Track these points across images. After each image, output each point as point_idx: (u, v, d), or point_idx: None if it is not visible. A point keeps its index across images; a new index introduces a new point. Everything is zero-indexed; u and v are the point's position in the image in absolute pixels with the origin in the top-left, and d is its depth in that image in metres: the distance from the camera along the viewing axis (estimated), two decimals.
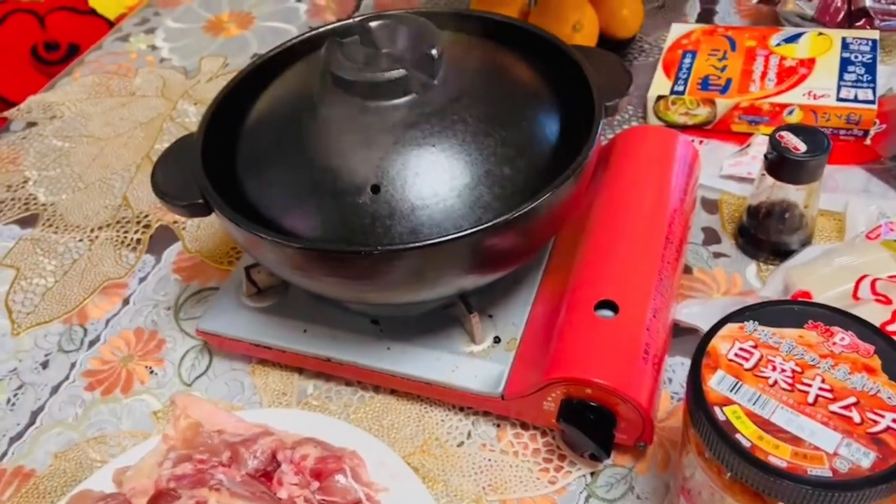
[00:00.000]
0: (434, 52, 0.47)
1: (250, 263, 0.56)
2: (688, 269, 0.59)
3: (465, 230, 0.42)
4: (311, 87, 0.50)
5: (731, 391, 0.37)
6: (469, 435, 0.51)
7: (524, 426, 0.51)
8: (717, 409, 0.36)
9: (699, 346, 0.39)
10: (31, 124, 0.82)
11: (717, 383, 0.37)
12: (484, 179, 0.45)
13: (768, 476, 0.34)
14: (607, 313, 0.48)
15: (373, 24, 0.49)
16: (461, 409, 0.53)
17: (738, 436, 0.35)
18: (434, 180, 0.45)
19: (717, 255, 0.60)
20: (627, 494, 0.47)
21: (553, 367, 0.46)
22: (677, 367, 0.53)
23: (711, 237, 0.61)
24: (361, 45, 0.50)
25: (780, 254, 0.58)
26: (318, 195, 0.46)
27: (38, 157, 0.78)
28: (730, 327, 0.39)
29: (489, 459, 0.50)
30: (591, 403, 0.46)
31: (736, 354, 0.38)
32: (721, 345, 0.39)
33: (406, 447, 0.51)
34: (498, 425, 0.51)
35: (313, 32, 0.57)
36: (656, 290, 0.49)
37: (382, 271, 0.44)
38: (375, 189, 0.45)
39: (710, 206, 0.64)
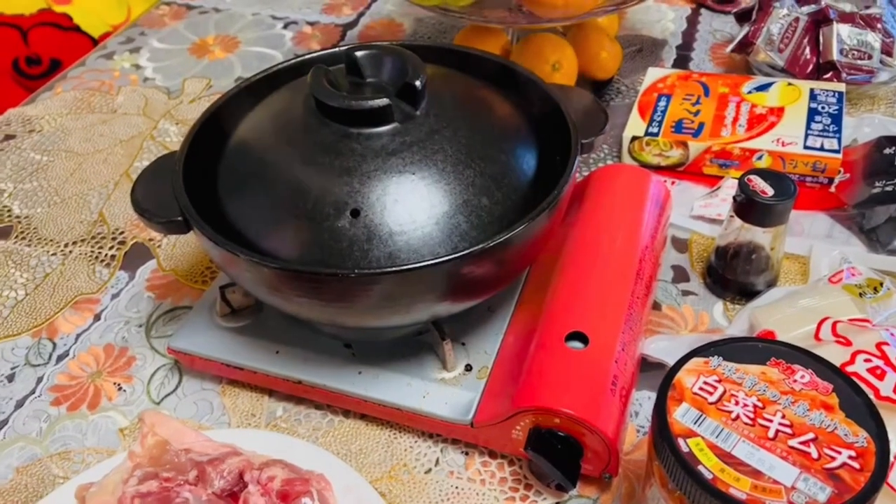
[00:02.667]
0: (418, 83, 0.48)
1: (225, 283, 0.56)
2: (657, 306, 0.60)
3: (442, 257, 0.43)
4: (296, 111, 0.50)
5: (694, 423, 0.38)
6: (437, 462, 0.52)
7: (492, 454, 0.52)
8: (680, 441, 0.37)
9: (665, 378, 0.40)
10: (10, 137, 0.82)
11: (681, 415, 0.38)
12: (462, 209, 0.47)
13: None
14: (577, 345, 0.49)
15: (359, 53, 0.51)
16: (430, 436, 0.53)
17: (700, 467, 0.36)
18: (413, 207, 0.46)
19: (686, 292, 0.61)
20: None
21: (522, 395, 0.47)
22: (644, 401, 0.54)
23: (680, 275, 0.63)
24: (347, 73, 0.51)
25: (747, 294, 0.59)
26: (298, 217, 0.47)
27: (15, 170, 0.78)
28: (695, 361, 0.40)
29: (456, 487, 0.50)
30: (559, 433, 0.46)
31: (700, 388, 0.39)
32: (686, 378, 0.40)
33: (374, 472, 0.51)
34: (466, 453, 0.52)
35: (300, 58, 0.58)
36: (626, 324, 0.50)
37: (358, 295, 0.45)
38: (355, 213, 0.46)
39: (681, 244, 0.65)
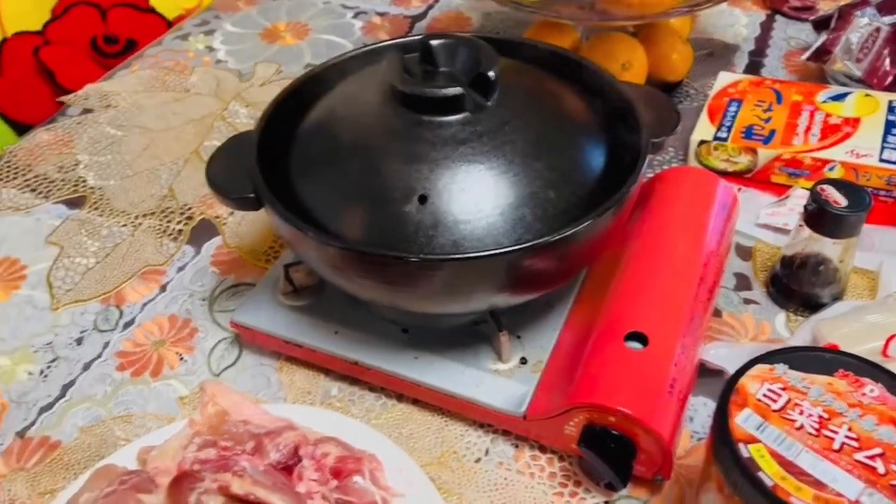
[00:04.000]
0: (491, 73, 0.49)
1: (290, 262, 0.57)
2: (717, 312, 0.59)
3: (506, 247, 0.44)
4: (370, 97, 0.51)
5: (757, 430, 0.37)
6: (487, 452, 0.52)
7: (542, 449, 0.52)
8: (741, 446, 0.37)
9: (728, 382, 0.39)
10: (87, 111, 0.85)
11: (743, 420, 0.38)
12: (528, 200, 0.47)
13: None
14: (637, 345, 0.48)
15: (434, 42, 0.51)
16: (481, 426, 0.53)
17: (760, 474, 0.36)
18: (479, 196, 0.46)
19: (748, 301, 0.60)
20: None
21: (578, 392, 0.47)
22: (699, 407, 0.53)
23: (743, 283, 0.62)
24: (421, 61, 0.51)
25: (811, 306, 0.58)
26: (367, 200, 0.47)
27: (91, 143, 0.80)
28: (760, 368, 0.40)
29: (505, 478, 0.50)
30: (613, 432, 0.46)
31: (764, 395, 0.39)
32: (750, 384, 0.39)
33: (423, 457, 0.52)
34: (516, 445, 0.52)
35: (375, 45, 0.59)
36: (687, 328, 0.50)
37: (421, 280, 0.45)
38: (422, 199, 0.46)
39: (744, 252, 0.64)
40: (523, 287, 0.49)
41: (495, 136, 0.48)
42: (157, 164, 0.77)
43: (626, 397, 0.45)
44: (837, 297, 0.58)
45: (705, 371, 0.54)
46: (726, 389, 0.39)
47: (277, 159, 0.53)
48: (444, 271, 0.44)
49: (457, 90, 0.48)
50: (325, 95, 0.55)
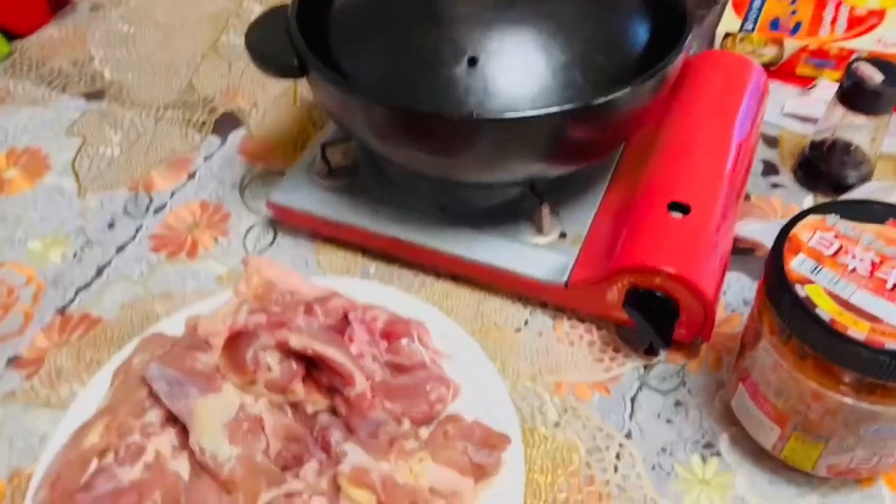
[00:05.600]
0: None
1: (326, 140, 0.57)
2: (746, 196, 0.60)
3: (557, 107, 0.44)
4: None
5: (811, 273, 0.38)
6: (526, 322, 0.53)
7: (580, 319, 0.53)
8: (798, 287, 0.38)
9: (781, 232, 0.40)
10: (96, 7, 0.83)
11: (798, 265, 0.39)
12: (578, 63, 0.47)
13: (847, 346, 0.35)
14: (679, 214, 0.49)
15: None
16: (519, 299, 0.54)
17: (818, 311, 0.37)
18: (530, 58, 0.46)
19: (775, 185, 0.61)
20: (679, 388, 0.49)
21: (624, 255, 0.48)
22: (732, 282, 0.54)
23: (770, 169, 0.63)
24: None
25: (838, 187, 0.59)
26: (415, 63, 0.47)
27: (104, 38, 0.79)
28: (811, 218, 0.41)
29: (545, 346, 0.51)
30: (657, 294, 0.47)
31: (817, 242, 0.40)
32: (803, 232, 0.40)
33: (466, 328, 0.52)
34: (554, 316, 0.53)
35: None
36: (726, 198, 0.51)
37: (471, 141, 0.45)
38: (472, 61, 0.46)
39: (771, 140, 0.65)
40: (567, 154, 0.49)
41: None
42: (175, 58, 0.76)
43: (671, 258, 0.46)
44: (865, 179, 0.59)
45: (736, 249, 0.55)
46: (779, 238, 0.40)
47: (315, 32, 0.52)
48: (494, 132, 0.44)
49: None
50: None
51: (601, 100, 0.44)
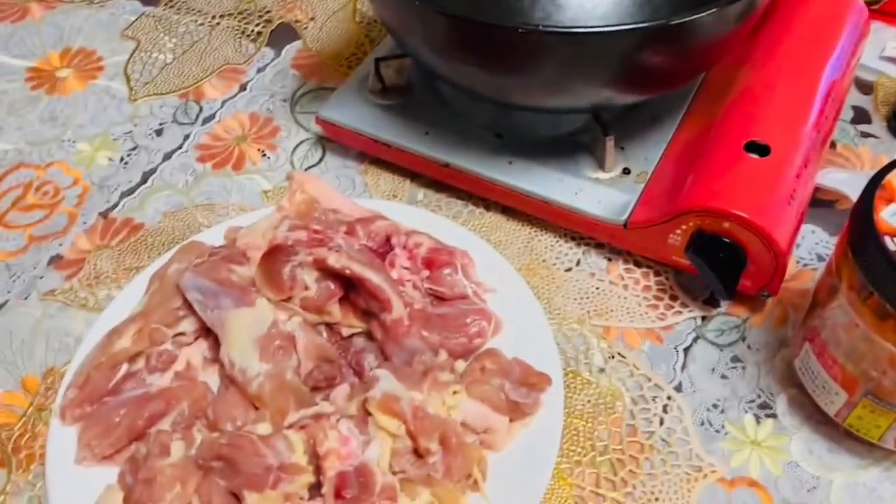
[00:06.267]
0: None
1: (382, 56, 0.54)
2: (832, 144, 0.55)
3: (632, 24, 0.40)
4: None
5: None
6: (578, 263, 0.50)
7: (637, 263, 0.49)
8: (887, 239, 0.34)
9: (874, 177, 0.36)
10: None
11: (890, 215, 0.35)
12: None
13: None
14: (757, 155, 0.45)
15: None
16: (572, 237, 0.51)
17: None
18: None
19: (865, 134, 0.56)
20: (738, 342, 0.46)
21: (691, 195, 0.44)
22: (807, 234, 0.50)
23: (861, 116, 0.57)
24: None
25: None
26: None
27: None
28: None
29: (597, 288, 0.49)
30: (725, 239, 0.43)
31: None
32: None
33: (512, 264, 0.50)
34: (609, 258, 0.50)
35: None
36: (810, 142, 0.46)
37: (535, 58, 0.42)
38: None
39: (865, 87, 0.59)
40: (639, 80, 0.45)
41: None
42: None
43: (744, 202, 0.42)
44: None
45: (815, 200, 0.51)
46: (871, 184, 0.36)
47: None
48: (561, 49, 0.41)
49: None
50: None
51: (682, 19, 0.40)
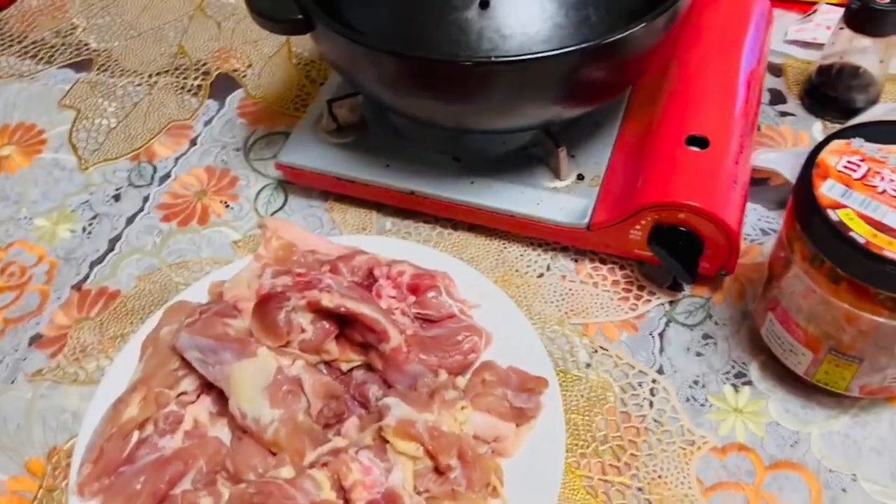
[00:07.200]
0: None
1: (332, 97, 0.56)
2: (757, 128, 0.60)
3: (577, 44, 0.43)
4: None
5: (841, 197, 0.38)
6: (548, 268, 0.53)
7: (602, 260, 0.53)
8: (830, 212, 0.38)
9: (808, 158, 0.40)
10: None
11: (828, 189, 0.39)
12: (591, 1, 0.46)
13: (883, 266, 0.36)
14: (696, 148, 0.49)
15: None
16: (539, 245, 0.54)
17: (852, 234, 0.37)
18: None
19: (783, 113, 0.61)
20: (706, 321, 0.49)
21: (647, 193, 0.47)
22: (749, 212, 0.55)
23: (777, 98, 0.62)
24: None
25: (847, 112, 0.59)
26: (424, 11, 0.46)
27: (85, 6, 0.76)
28: (837, 143, 0.41)
29: (569, 289, 0.52)
30: (681, 229, 0.47)
31: (844, 167, 0.40)
32: (829, 157, 0.40)
33: (488, 277, 0.52)
34: (576, 259, 0.53)
35: None
36: (742, 129, 0.51)
37: (487, 86, 0.45)
38: (484, 4, 0.45)
39: (775, 69, 0.64)
40: (586, 94, 0.48)
41: None
42: (161, 22, 0.74)
43: (694, 193, 0.46)
44: (873, 102, 0.59)
45: (751, 181, 0.55)
46: (807, 164, 0.40)
47: None
48: (513, 75, 0.44)
49: None
50: None
51: (618, 35, 0.43)
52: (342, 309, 0.43)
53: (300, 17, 0.47)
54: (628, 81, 0.53)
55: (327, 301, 0.43)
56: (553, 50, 0.43)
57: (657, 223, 0.48)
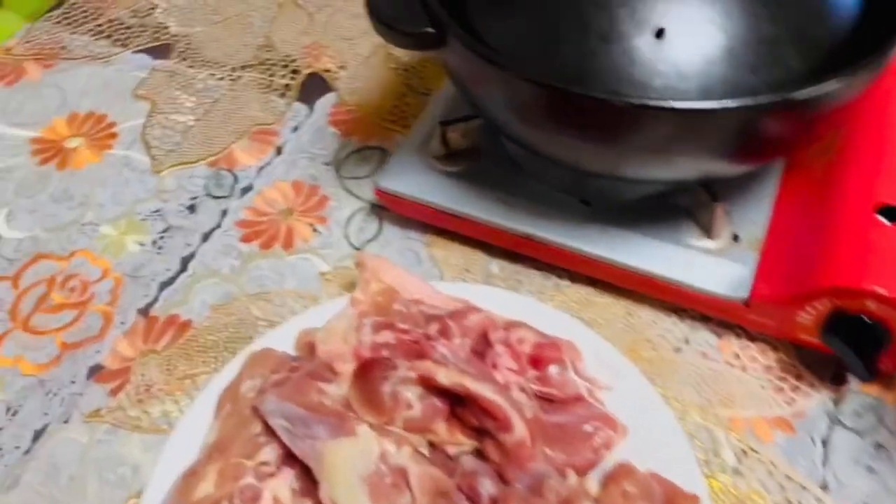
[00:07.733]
0: None
1: (447, 119, 0.48)
2: None
3: (773, 91, 0.35)
4: None
5: None
6: (687, 341, 0.45)
7: (750, 338, 0.45)
8: None
9: None
10: None
11: None
12: (786, 35, 0.38)
13: None
14: (889, 221, 0.41)
15: None
16: (674, 311, 0.46)
17: None
18: (730, 29, 0.37)
19: None
20: (878, 427, 0.41)
21: (829, 272, 0.39)
22: None
23: None
24: None
25: None
26: (583, 36, 0.38)
27: None
28: None
29: (712, 370, 0.44)
30: (866, 320, 0.39)
31: None
32: None
33: (614, 347, 0.45)
34: (719, 335, 0.45)
35: None
36: None
37: (648, 131, 0.37)
38: (659, 33, 0.37)
39: None
40: (763, 150, 0.40)
41: None
42: (247, 8, 0.67)
43: (888, 278, 0.38)
44: None
45: None
46: None
47: None
48: (692, 121, 0.36)
49: None
50: None
51: (832, 84, 0.35)
52: (460, 388, 0.36)
53: (432, 30, 0.40)
54: (821, 136, 0.44)
55: (443, 377, 0.36)
56: (745, 98, 0.35)
57: (837, 309, 0.40)
